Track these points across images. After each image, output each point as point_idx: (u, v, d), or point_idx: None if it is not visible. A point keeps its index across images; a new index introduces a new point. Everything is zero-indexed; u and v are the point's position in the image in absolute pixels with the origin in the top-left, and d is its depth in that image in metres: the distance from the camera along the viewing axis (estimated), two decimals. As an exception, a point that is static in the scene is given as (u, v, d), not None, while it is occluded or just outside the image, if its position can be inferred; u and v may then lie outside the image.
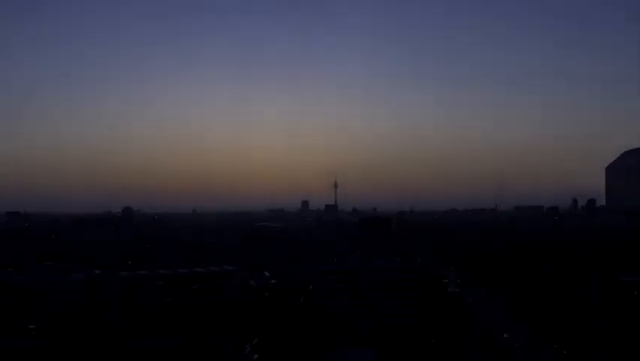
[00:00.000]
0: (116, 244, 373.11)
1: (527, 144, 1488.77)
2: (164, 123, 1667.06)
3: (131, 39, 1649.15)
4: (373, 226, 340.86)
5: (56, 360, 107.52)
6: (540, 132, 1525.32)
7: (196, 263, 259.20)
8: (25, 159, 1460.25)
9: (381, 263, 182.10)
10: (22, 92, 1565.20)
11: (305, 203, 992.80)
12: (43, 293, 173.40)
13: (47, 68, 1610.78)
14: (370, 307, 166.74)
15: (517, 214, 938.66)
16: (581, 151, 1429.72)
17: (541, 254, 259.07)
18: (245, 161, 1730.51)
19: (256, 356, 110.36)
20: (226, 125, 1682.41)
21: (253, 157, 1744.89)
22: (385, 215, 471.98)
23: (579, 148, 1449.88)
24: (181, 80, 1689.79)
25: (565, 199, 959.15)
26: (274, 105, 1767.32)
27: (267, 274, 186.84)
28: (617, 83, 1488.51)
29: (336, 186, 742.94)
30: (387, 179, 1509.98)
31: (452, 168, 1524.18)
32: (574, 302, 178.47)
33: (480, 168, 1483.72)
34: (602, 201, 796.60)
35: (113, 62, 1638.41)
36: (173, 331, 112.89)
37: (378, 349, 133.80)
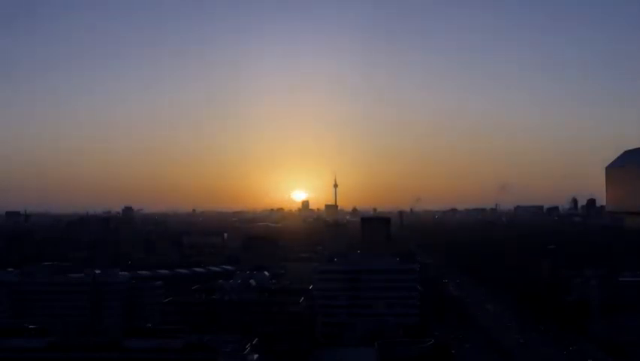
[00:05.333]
0: (116, 244, 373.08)
1: (527, 144, 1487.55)
2: (164, 123, 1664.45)
3: (130, 38, 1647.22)
4: (373, 226, 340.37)
5: (56, 360, 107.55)
6: (540, 132, 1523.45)
7: (196, 263, 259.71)
8: (25, 159, 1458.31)
9: (381, 263, 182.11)
10: (22, 92, 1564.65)
11: (305, 203, 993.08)
12: (43, 293, 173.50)
13: (47, 68, 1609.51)
14: (370, 307, 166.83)
15: (517, 214, 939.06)
16: (581, 151, 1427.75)
17: (541, 254, 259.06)
18: (244, 160, 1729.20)
19: (256, 356, 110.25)
20: (226, 125, 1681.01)
21: (253, 156, 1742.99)
22: (385, 215, 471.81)
23: (579, 148, 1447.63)
24: (179, 79, 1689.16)
25: (565, 199, 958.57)
26: (274, 104, 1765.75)
27: (266, 274, 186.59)
28: (617, 82, 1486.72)
29: (336, 186, 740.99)
30: (387, 179, 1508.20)
31: (452, 168, 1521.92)
32: (574, 302, 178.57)
33: (480, 168, 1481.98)
34: (602, 201, 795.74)
35: (111, 61, 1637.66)
36: (173, 331, 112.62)
37: (378, 349, 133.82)
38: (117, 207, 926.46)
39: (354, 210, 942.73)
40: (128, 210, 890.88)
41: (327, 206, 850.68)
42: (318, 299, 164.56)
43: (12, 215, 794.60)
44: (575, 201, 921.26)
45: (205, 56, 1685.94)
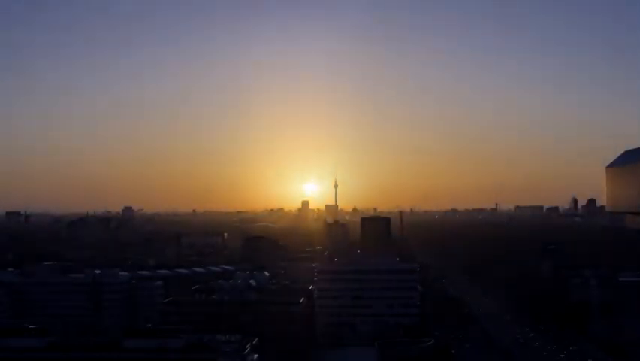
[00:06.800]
0: (116, 244, 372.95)
1: (527, 144, 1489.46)
2: (164, 123, 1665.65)
3: (130, 38, 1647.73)
4: (373, 226, 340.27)
5: (56, 360, 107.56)
6: (540, 132, 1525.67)
7: (196, 263, 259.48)
8: (25, 159, 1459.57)
9: (381, 263, 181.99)
10: (22, 92, 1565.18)
11: (305, 203, 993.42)
12: (43, 293, 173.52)
13: (47, 68, 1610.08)
14: (370, 307, 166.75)
15: (517, 214, 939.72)
16: (581, 151, 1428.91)
17: (541, 254, 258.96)
18: (244, 160, 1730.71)
19: (256, 356, 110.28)
20: (226, 125, 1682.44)
21: (253, 157, 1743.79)
22: (385, 215, 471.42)
23: (579, 148, 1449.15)
24: (180, 79, 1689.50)
25: (565, 199, 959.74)
26: (274, 104, 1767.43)
27: (266, 274, 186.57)
28: (617, 82, 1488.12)
29: (336, 186, 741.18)
30: (387, 179, 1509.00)
31: (452, 168, 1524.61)
32: (574, 302, 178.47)
33: (480, 168, 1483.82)
34: (602, 201, 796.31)
35: (112, 62, 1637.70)
36: (173, 331, 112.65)
37: (378, 349, 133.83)
38: (117, 207, 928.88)
39: (354, 210, 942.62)
40: (128, 210, 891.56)
41: (327, 206, 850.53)
42: (318, 299, 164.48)
43: (12, 215, 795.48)
44: (575, 201, 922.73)
45: (205, 56, 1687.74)
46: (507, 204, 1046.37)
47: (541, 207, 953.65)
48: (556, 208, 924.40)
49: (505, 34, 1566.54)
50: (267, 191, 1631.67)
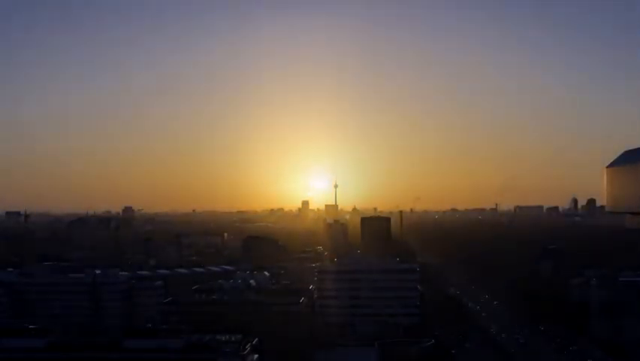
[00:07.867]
0: (116, 244, 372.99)
1: (527, 144, 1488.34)
2: (163, 123, 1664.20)
3: (129, 38, 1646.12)
4: (373, 226, 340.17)
5: (56, 360, 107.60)
6: (540, 132, 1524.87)
7: (196, 263, 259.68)
8: (25, 159, 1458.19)
9: (381, 263, 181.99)
10: (22, 91, 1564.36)
11: (305, 203, 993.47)
12: (43, 293, 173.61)
13: (47, 67, 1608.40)
14: (370, 307, 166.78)
15: (517, 214, 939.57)
16: (581, 151, 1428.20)
17: (542, 254, 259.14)
18: (244, 160, 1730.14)
19: (256, 356, 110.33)
20: (226, 125, 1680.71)
21: (253, 157, 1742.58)
22: (385, 215, 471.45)
23: (579, 148, 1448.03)
24: (179, 79, 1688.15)
25: (565, 199, 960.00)
26: (274, 104, 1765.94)
27: (266, 274, 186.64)
28: (617, 82, 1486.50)
29: (336, 186, 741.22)
30: (387, 179, 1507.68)
31: (452, 168, 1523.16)
32: (574, 302, 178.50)
33: (480, 168, 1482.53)
34: (602, 201, 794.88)
35: (111, 61, 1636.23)
36: (173, 331, 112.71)
37: (378, 349, 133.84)
38: (117, 207, 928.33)
39: (354, 210, 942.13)
40: (128, 210, 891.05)
41: (327, 206, 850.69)
42: (318, 299, 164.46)
43: (12, 215, 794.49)
44: (575, 201, 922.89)
45: (204, 56, 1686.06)
46: (507, 204, 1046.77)
47: (541, 207, 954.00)
48: (556, 208, 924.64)
49: (506, 34, 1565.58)
50: (267, 191, 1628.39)
